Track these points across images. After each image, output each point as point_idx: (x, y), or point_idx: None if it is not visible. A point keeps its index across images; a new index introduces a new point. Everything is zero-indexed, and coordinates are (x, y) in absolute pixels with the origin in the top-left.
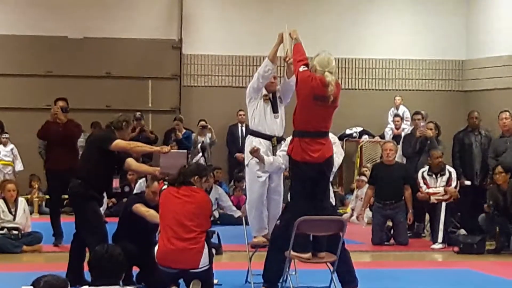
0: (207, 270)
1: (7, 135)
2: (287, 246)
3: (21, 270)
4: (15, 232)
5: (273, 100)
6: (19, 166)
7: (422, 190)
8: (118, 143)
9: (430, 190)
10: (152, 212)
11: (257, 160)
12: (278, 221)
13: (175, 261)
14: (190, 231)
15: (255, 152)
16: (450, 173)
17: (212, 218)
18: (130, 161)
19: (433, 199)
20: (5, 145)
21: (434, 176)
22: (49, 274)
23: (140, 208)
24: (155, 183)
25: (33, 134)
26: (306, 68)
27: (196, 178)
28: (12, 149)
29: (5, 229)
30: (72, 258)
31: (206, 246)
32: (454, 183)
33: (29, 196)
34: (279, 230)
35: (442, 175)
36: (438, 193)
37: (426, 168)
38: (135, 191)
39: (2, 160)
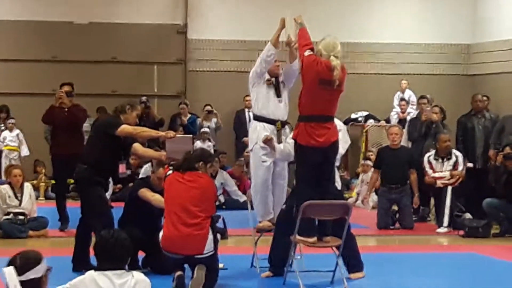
0: (212, 256)
1: (13, 120)
2: (292, 231)
3: None
4: (21, 217)
5: (276, 85)
6: (25, 151)
7: (428, 174)
8: (124, 128)
9: (436, 175)
10: (157, 197)
11: (267, 149)
12: (284, 206)
13: (180, 247)
14: (195, 217)
15: (269, 141)
16: (456, 157)
17: (217, 203)
18: (137, 146)
19: (439, 183)
20: (10, 130)
21: (440, 160)
22: (22, 251)
23: (146, 193)
24: (161, 169)
25: (38, 119)
26: (311, 53)
27: (201, 163)
28: (17, 134)
29: (11, 214)
30: (78, 243)
31: (211, 232)
32: (461, 167)
33: (35, 182)
34: (284, 215)
35: (448, 159)
36: (444, 177)
37: (433, 152)
38: (140, 176)
39: (8, 145)
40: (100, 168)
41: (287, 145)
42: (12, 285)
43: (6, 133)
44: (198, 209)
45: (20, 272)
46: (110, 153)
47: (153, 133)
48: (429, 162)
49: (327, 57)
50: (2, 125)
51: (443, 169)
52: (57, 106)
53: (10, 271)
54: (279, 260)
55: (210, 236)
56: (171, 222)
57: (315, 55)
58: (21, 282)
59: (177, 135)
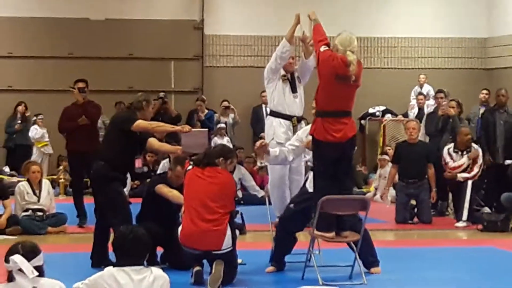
0: (230, 252)
1: (41, 117)
2: (295, 229)
3: (46, 251)
4: (39, 213)
5: (291, 80)
6: (50, 149)
7: (448, 165)
8: (140, 123)
9: (456, 164)
10: (175, 192)
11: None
12: (292, 205)
13: (198, 242)
14: (214, 213)
15: (263, 146)
16: (479, 150)
17: (235, 198)
18: (152, 140)
19: (459, 177)
20: (40, 126)
21: (460, 153)
22: (19, 241)
23: (163, 188)
24: (178, 167)
25: (56, 115)
26: (327, 48)
27: (221, 159)
28: (46, 131)
29: (30, 211)
30: (96, 239)
31: (229, 228)
32: (480, 161)
33: (55, 177)
34: (289, 212)
35: (468, 152)
36: (462, 165)
37: (451, 145)
38: (158, 172)
39: (41, 141)
40: (118, 164)
41: (283, 149)
42: (28, 270)
43: (38, 129)
44: (217, 204)
45: (27, 260)
46: (127, 149)
47: (168, 127)
48: (450, 154)
49: (343, 52)
50: (20, 119)
51: (463, 162)
52: (70, 105)
53: (21, 258)
54: (280, 255)
55: (229, 232)
56: (190, 218)
57: (331, 51)
58: None
59: (193, 130)
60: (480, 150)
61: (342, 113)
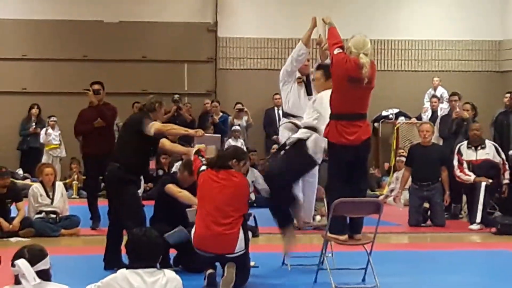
0: (243, 255)
1: (55, 118)
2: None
3: (59, 254)
4: (53, 215)
5: (306, 83)
6: (63, 152)
7: (456, 174)
8: (154, 125)
9: (465, 178)
10: (185, 192)
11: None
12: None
13: (212, 245)
14: (228, 216)
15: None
16: (493, 146)
17: (249, 201)
18: (165, 141)
19: (470, 178)
20: (53, 128)
21: (473, 148)
22: (26, 245)
23: (172, 188)
24: (186, 172)
25: (70, 117)
26: (340, 51)
27: (234, 161)
28: (60, 134)
29: (43, 213)
30: (109, 241)
31: (242, 231)
32: (507, 174)
33: (67, 180)
34: (272, 173)
35: (482, 148)
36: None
37: (465, 142)
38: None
39: (51, 144)
40: (132, 166)
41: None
42: (31, 276)
43: (50, 130)
44: (231, 208)
45: (31, 264)
46: (141, 151)
47: (182, 130)
48: (459, 152)
49: (356, 55)
50: (34, 121)
51: (476, 157)
52: (85, 108)
53: (25, 263)
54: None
55: (241, 235)
56: (203, 221)
57: (344, 53)
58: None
59: (206, 134)
60: (494, 148)
61: (356, 115)
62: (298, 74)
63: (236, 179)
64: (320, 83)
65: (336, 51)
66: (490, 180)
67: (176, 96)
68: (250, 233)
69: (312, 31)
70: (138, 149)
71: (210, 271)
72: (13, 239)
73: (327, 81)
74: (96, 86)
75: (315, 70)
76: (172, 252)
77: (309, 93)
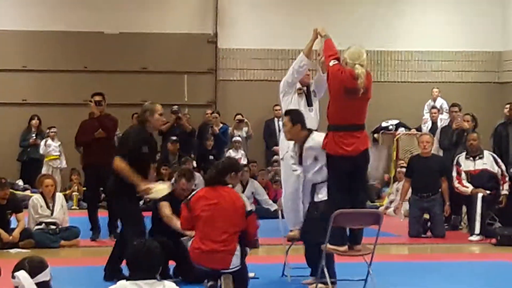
0: (239, 270)
1: (55, 129)
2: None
3: (59, 265)
4: (53, 227)
5: (307, 94)
6: (63, 163)
7: (454, 185)
8: (117, 161)
9: (463, 189)
10: (172, 219)
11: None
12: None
13: (207, 260)
14: (222, 233)
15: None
16: (491, 156)
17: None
18: (164, 206)
19: (467, 189)
20: (53, 139)
21: (471, 159)
22: (27, 256)
23: (164, 209)
24: (183, 179)
25: (70, 128)
26: (336, 62)
27: (232, 174)
28: (60, 145)
29: (43, 224)
30: (113, 252)
31: (238, 247)
32: (506, 186)
33: (67, 191)
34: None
35: (480, 158)
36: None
37: (464, 153)
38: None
39: (51, 155)
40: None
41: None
42: None
43: (49, 141)
44: (225, 224)
45: (31, 276)
46: (135, 165)
47: (134, 178)
48: (457, 164)
49: (352, 66)
50: (34, 132)
51: (475, 167)
52: (86, 119)
53: (24, 275)
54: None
55: (237, 252)
56: (199, 237)
57: (340, 65)
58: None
59: (154, 187)
60: (492, 158)
61: (354, 126)
62: (298, 85)
63: (227, 194)
64: (287, 128)
65: (331, 63)
66: (488, 192)
67: (175, 107)
68: (248, 249)
69: (313, 42)
70: (132, 163)
71: (210, 283)
72: (13, 250)
73: (295, 126)
74: (97, 97)
75: (284, 115)
76: (172, 264)
77: (309, 104)
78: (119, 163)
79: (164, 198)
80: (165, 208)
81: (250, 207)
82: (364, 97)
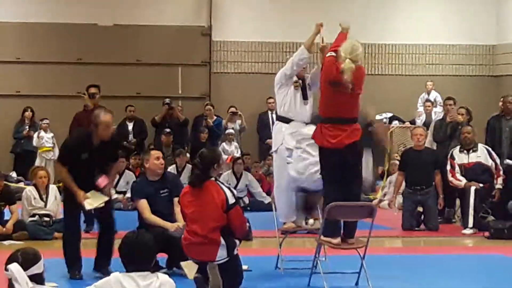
0: (227, 262)
1: (47, 121)
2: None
3: (52, 257)
4: (46, 219)
5: (303, 87)
6: (56, 155)
7: (448, 178)
8: (61, 170)
9: (457, 183)
10: (152, 219)
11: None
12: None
13: (195, 253)
14: (203, 228)
15: None
16: (485, 149)
17: (242, 205)
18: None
19: (461, 182)
20: (45, 131)
21: (465, 152)
22: (20, 248)
23: (142, 211)
24: (151, 152)
25: (63, 121)
26: (332, 54)
27: (215, 166)
28: (52, 137)
29: (37, 216)
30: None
31: (222, 240)
32: (500, 180)
33: (61, 183)
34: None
35: (474, 151)
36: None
37: (458, 147)
38: None
39: (44, 147)
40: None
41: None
42: (23, 281)
43: (42, 133)
44: (205, 219)
45: (24, 268)
46: (76, 169)
47: (73, 187)
48: (452, 157)
49: (343, 60)
50: (28, 124)
51: (468, 161)
52: (79, 112)
53: (17, 268)
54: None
55: (222, 244)
56: (187, 230)
57: (334, 57)
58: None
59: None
60: (486, 151)
61: (342, 119)
62: (295, 78)
63: (209, 190)
64: None
65: (328, 54)
66: (481, 185)
67: (167, 100)
68: (237, 241)
69: (315, 36)
70: (73, 167)
71: (196, 275)
72: (6, 242)
73: None
74: (92, 90)
75: None
76: (163, 256)
77: (305, 97)
78: (58, 170)
79: (138, 195)
80: (145, 211)
81: (232, 199)
82: (354, 92)
